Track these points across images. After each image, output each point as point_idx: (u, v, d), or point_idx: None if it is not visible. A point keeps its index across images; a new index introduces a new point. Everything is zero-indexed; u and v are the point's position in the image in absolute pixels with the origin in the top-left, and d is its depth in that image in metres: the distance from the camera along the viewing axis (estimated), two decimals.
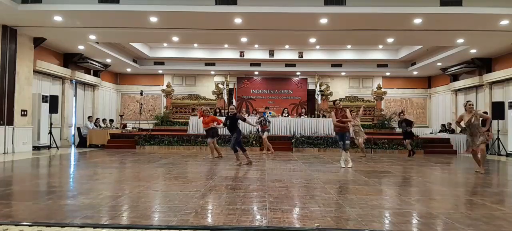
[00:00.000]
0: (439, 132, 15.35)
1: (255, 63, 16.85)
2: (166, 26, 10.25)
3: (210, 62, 16.95)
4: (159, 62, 17.01)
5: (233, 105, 8.50)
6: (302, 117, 15.12)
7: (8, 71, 10.26)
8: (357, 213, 3.61)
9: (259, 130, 12.14)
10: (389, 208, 3.95)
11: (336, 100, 8.00)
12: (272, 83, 18.38)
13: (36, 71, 12.00)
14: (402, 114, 11.63)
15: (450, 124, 15.48)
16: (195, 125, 14.21)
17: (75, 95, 14.93)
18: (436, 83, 17.85)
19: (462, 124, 7.11)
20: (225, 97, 16.61)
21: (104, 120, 15.29)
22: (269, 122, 12.10)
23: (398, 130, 12.40)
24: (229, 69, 17.05)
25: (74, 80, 14.46)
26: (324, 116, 15.27)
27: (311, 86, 17.96)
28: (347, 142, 7.72)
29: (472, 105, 7.00)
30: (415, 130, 16.27)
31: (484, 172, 7.02)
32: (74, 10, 8.98)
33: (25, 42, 10.95)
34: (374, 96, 17.14)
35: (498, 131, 12.42)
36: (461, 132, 7.26)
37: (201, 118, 9.92)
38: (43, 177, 6.27)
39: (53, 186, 5.18)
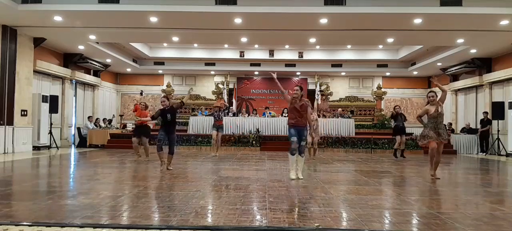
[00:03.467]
0: None
1: (255, 63, 16.84)
2: (166, 26, 10.25)
3: (210, 62, 16.95)
4: (159, 62, 17.01)
5: (164, 98, 6.86)
6: None
7: (8, 71, 10.26)
8: (357, 213, 3.61)
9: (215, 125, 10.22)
10: (389, 208, 3.95)
11: (296, 88, 6.05)
12: (272, 83, 18.30)
13: (36, 71, 11.99)
14: (397, 107, 10.69)
15: (450, 123, 15.47)
16: (195, 125, 14.22)
17: (75, 95, 14.92)
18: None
19: (425, 117, 6.20)
20: (225, 97, 16.61)
21: (104, 120, 15.28)
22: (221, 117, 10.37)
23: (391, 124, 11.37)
24: (229, 69, 17.04)
25: (74, 80, 14.45)
26: (324, 116, 15.27)
27: (311, 86, 17.93)
28: (303, 142, 5.83)
29: (434, 95, 6.10)
30: (415, 130, 16.37)
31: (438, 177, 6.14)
32: (74, 10, 8.98)
33: (25, 42, 10.95)
34: (374, 96, 17.15)
35: (498, 131, 12.42)
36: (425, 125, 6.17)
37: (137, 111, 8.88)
38: (43, 177, 6.27)
39: (53, 186, 5.18)
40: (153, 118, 7.09)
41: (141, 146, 8.68)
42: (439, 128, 6.00)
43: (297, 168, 5.81)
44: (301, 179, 5.74)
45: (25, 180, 5.71)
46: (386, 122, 16.16)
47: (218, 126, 10.15)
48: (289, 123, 5.87)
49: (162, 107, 6.73)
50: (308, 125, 6.00)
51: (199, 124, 14.20)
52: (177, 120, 6.87)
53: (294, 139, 5.72)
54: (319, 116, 15.45)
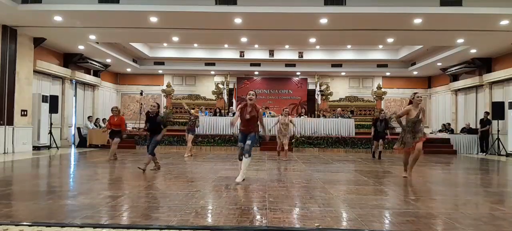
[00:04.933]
0: (438, 132, 15.36)
1: (255, 63, 16.85)
2: (166, 26, 10.25)
3: (210, 62, 16.96)
4: (159, 62, 17.02)
5: (155, 103, 6.92)
6: (302, 116, 15.11)
7: (8, 71, 10.26)
8: (357, 213, 3.61)
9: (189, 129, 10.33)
10: (389, 208, 3.95)
11: (251, 92, 5.73)
12: (272, 83, 18.37)
13: (36, 71, 11.99)
14: (383, 113, 10.78)
15: (449, 124, 15.47)
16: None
17: (75, 95, 14.92)
18: (436, 83, 17.85)
19: (403, 119, 6.05)
20: (225, 97, 16.62)
21: (103, 120, 15.27)
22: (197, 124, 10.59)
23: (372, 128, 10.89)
24: (229, 69, 17.05)
25: (74, 80, 14.45)
26: (324, 116, 15.27)
27: (311, 86, 17.96)
28: (247, 146, 5.52)
29: (421, 98, 6.00)
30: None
31: (410, 177, 6.07)
32: (74, 10, 8.98)
33: (25, 42, 10.95)
34: (374, 96, 17.15)
35: (498, 131, 12.42)
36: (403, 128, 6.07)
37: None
38: (43, 177, 6.27)
39: (53, 186, 5.18)
40: (145, 124, 6.91)
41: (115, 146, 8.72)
42: (416, 130, 5.93)
43: (240, 170, 5.61)
44: (238, 182, 5.40)
45: (25, 180, 5.71)
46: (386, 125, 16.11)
47: (192, 129, 10.29)
48: (240, 128, 5.82)
49: (148, 111, 6.80)
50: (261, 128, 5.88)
51: (200, 124, 14.17)
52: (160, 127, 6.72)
53: (241, 144, 5.63)
54: (318, 116, 15.51)
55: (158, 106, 6.98)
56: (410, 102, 6.05)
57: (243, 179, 5.51)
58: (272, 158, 9.91)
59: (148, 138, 6.83)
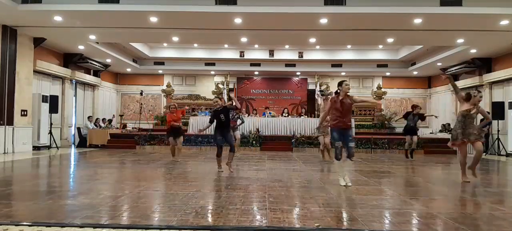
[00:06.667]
0: (439, 132, 15.36)
1: (255, 63, 16.84)
2: (166, 26, 10.25)
3: (210, 62, 16.95)
4: (159, 62, 17.01)
5: (217, 98, 6.93)
6: (302, 116, 15.11)
7: (8, 71, 10.25)
8: (357, 213, 3.61)
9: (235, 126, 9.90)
10: (389, 208, 3.95)
11: (343, 81, 5.33)
12: (272, 83, 18.38)
13: (36, 71, 11.98)
14: (418, 108, 10.39)
15: (449, 124, 15.46)
16: (196, 125, 14.20)
17: (75, 95, 14.91)
18: (436, 83, 17.85)
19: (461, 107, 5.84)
20: (225, 97, 16.62)
21: (103, 120, 15.27)
22: (242, 120, 10.45)
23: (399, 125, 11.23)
24: (229, 69, 17.05)
25: (74, 80, 14.44)
26: None
27: (311, 86, 17.95)
28: (351, 144, 5.12)
29: (481, 98, 5.85)
30: (421, 130, 16.32)
31: (469, 179, 5.89)
32: (74, 10, 8.97)
33: (25, 42, 10.94)
34: (374, 96, 17.14)
35: (498, 131, 12.41)
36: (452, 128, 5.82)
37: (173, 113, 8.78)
38: (43, 177, 6.27)
39: (53, 186, 5.18)
40: (210, 121, 6.83)
41: (176, 145, 8.87)
42: (466, 127, 5.72)
43: (344, 173, 5.19)
44: (350, 185, 5.04)
45: (25, 180, 5.71)
46: (386, 122, 16.16)
47: (233, 126, 9.42)
48: (331, 124, 5.23)
49: (215, 108, 6.75)
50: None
51: (200, 124, 14.18)
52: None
53: (339, 143, 5.12)
54: (318, 116, 15.50)
55: (220, 99, 7.00)
56: (467, 97, 5.79)
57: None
58: (271, 157, 9.89)
59: (217, 136, 6.52)
